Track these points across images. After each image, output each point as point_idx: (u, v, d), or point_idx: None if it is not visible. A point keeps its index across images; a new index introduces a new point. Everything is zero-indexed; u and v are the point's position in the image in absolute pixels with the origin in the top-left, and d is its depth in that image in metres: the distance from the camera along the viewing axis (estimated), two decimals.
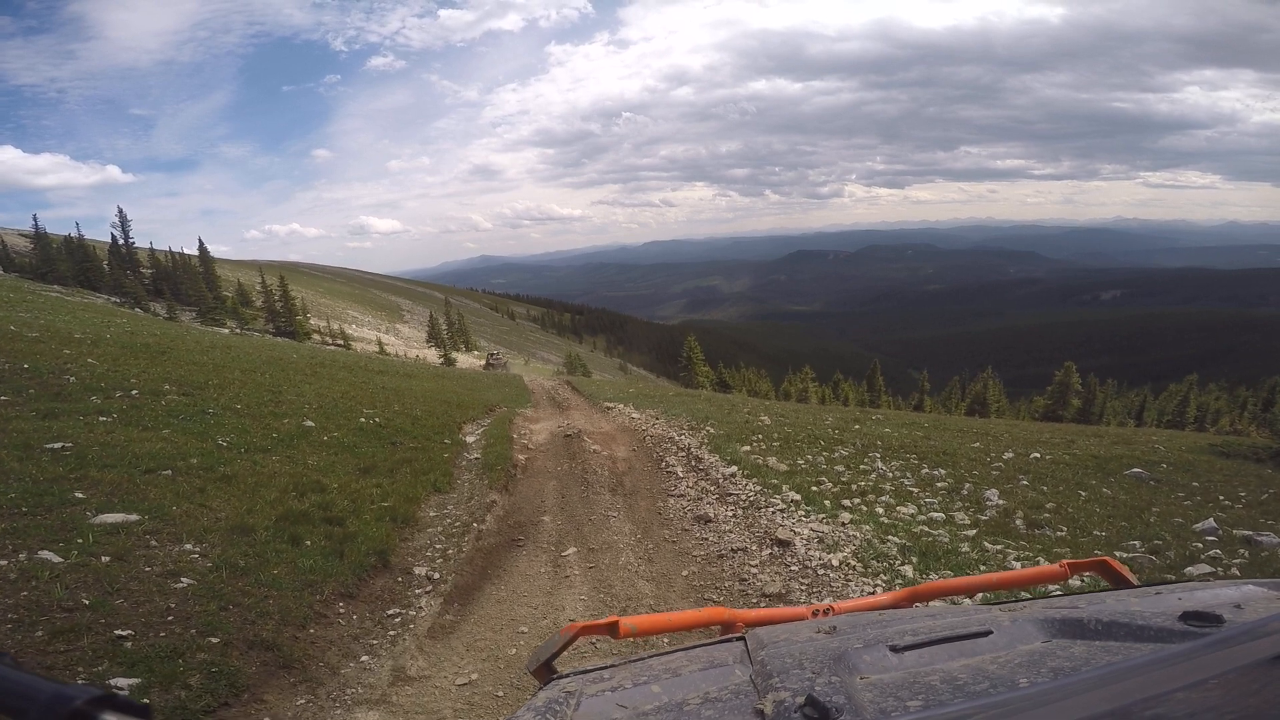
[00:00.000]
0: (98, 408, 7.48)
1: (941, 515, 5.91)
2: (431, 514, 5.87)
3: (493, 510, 5.86)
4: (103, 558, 3.68)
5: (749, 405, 16.30)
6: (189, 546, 4.08)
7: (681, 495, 6.28)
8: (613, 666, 0.90)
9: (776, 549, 4.69)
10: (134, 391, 8.92)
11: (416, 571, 4.56)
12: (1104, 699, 0.46)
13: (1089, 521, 6.39)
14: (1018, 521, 6.05)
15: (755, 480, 6.47)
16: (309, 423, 8.83)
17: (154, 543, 4.04)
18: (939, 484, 7.28)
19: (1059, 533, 5.87)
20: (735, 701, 0.68)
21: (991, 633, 0.73)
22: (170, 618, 3.26)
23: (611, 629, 0.96)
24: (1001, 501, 6.68)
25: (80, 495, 4.57)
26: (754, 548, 4.76)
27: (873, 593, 3.88)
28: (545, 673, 0.99)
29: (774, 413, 13.87)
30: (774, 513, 5.44)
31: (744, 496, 5.99)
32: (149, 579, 3.56)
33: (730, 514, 5.57)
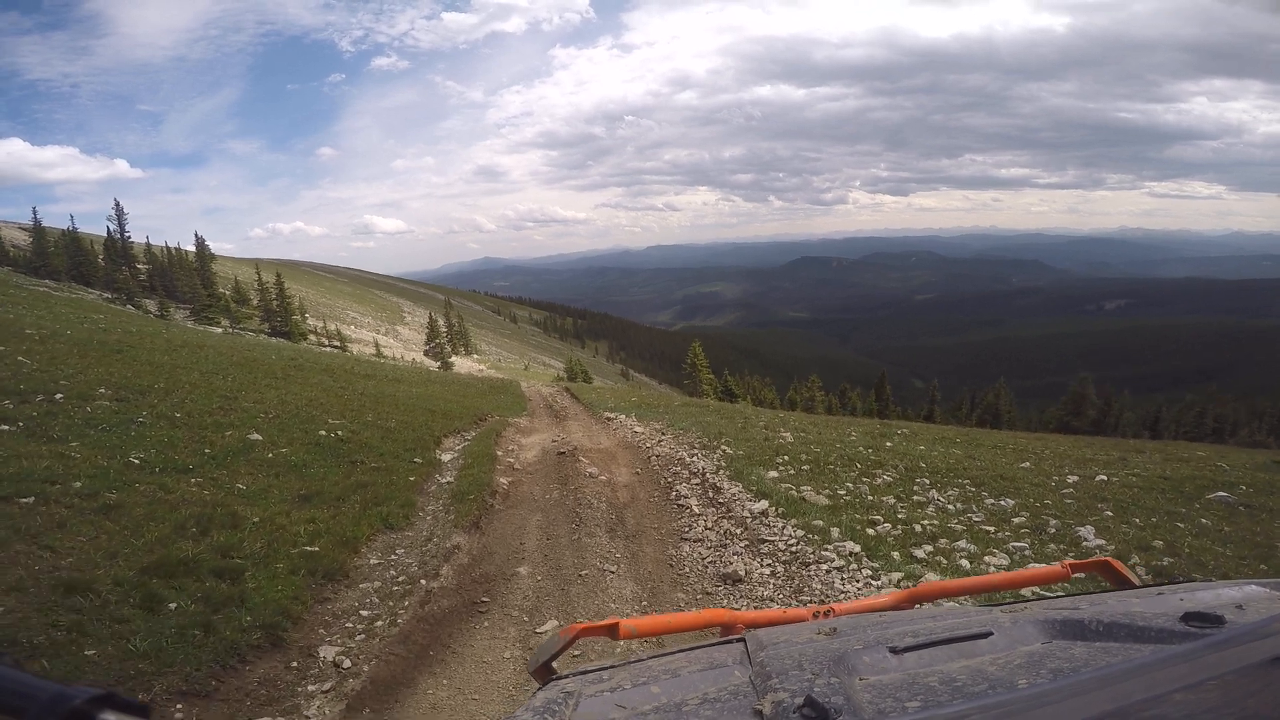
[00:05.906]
0: (3, 414, 6.36)
1: None
2: (373, 561, 4.50)
3: (453, 558, 4.47)
4: None
5: (764, 418, 14.90)
6: None
7: (699, 540, 4.87)
8: (612, 667, 0.89)
9: None
10: (59, 395, 7.72)
11: (322, 654, 3.19)
12: (1104, 700, 0.45)
13: (1218, 564, 5.06)
14: (1138, 568, 4.69)
15: (794, 521, 5.03)
16: (255, 435, 7.53)
17: None
18: (1015, 519, 5.89)
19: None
20: (734, 702, 0.67)
21: (992, 634, 0.72)
22: None
23: (611, 631, 0.94)
24: (1101, 541, 5.32)
25: None
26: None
27: None
28: (544, 674, 0.96)
29: (793, 426, 12.48)
30: (828, 571, 4.01)
31: (782, 544, 4.58)
32: None
33: (767, 571, 4.16)
